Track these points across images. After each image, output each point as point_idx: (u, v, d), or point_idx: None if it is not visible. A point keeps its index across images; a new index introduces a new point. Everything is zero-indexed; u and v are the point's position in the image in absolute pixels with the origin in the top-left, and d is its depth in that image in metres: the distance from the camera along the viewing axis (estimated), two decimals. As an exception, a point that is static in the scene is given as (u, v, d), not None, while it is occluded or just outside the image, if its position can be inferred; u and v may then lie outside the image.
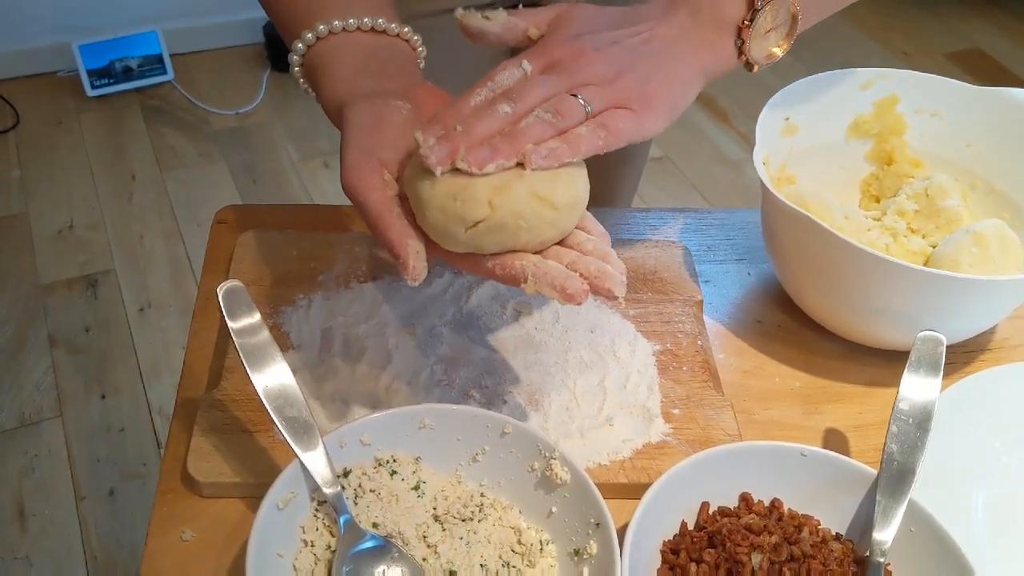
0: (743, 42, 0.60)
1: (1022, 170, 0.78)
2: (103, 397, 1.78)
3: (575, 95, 0.54)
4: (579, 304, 0.51)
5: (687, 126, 2.47)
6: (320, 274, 0.77)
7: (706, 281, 0.82)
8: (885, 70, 0.81)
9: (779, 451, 0.60)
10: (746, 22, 0.60)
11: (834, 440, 0.71)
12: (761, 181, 0.70)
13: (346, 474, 0.59)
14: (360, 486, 0.59)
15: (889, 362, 0.74)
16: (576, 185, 0.54)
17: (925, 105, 0.82)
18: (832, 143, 0.83)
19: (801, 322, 0.79)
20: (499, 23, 0.60)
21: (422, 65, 0.66)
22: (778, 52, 0.62)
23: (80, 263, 2.05)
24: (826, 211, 0.74)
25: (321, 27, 0.62)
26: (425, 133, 0.52)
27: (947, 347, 0.75)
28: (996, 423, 0.70)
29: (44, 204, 2.19)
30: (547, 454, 0.59)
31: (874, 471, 0.59)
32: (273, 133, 2.42)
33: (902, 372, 0.64)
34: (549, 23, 0.60)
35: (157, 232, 2.14)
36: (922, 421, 0.60)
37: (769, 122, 0.77)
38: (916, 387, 0.62)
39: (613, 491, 0.63)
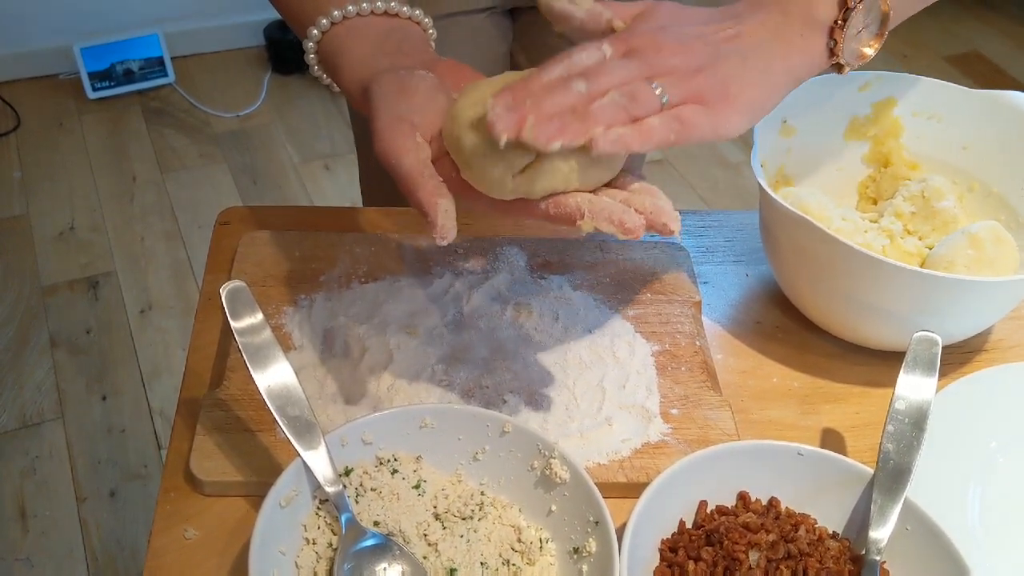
0: (835, 43, 0.59)
1: (1019, 173, 0.79)
2: (104, 398, 1.79)
3: (652, 84, 0.53)
4: (637, 238, 0.51)
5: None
6: (322, 275, 0.78)
7: (705, 282, 0.83)
8: (883, 72, 0.82)
9: (776, 450, 0.61)
10: (839, 22, 0.59)
11: (831, 440, 0.71)
12: (759, 184, 0.71)
13: (348, 473, 0.60)
14: (361, 485, 0.59)
15: (885, 362, 0.75)
16: None
17: (922, 108, 0.82)
18: (830, 145, 0.84)
19: (799, 323, 0.79)
20: (584, 8, 0.59)
21: (433, 47, 0.67)
22: (869, 52, 0.61)
23: (81, 264, 2.06)
24: (823, 213, 0.74)
25: (336, 13, 0.63)
26: (494, 100, 0.50)
27: (944, 348, 0.76)
28: (992, 423, 0.71)
29: (45, 206, 2.20)
30: (547, 453, 0.60)
31: (870, 470, 0.60)
32: (274, 135, 2.42)
33: (898, 372, 0.64)
34: (634, 17, 0.59)
35: (158, 234, 2.14)
36: (918, 420, 0.61)
37: (767, 124, 0.77)
38: (912, 387, 0.62)
39: (612, 490, 0.64)
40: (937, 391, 0.71)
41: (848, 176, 0.85)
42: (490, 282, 0.78)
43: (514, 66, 1.02)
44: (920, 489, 0.64)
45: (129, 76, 2.50)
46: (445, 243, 0.53)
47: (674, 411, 0.70)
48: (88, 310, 1.96)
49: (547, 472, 0.59)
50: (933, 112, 0.82)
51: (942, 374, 0.75)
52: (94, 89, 2.48)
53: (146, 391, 1.80)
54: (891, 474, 0.59)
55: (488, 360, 0.72)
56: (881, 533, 0.57)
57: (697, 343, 0.75)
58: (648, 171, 2.30)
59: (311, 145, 2.36)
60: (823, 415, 0.73)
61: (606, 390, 0.70)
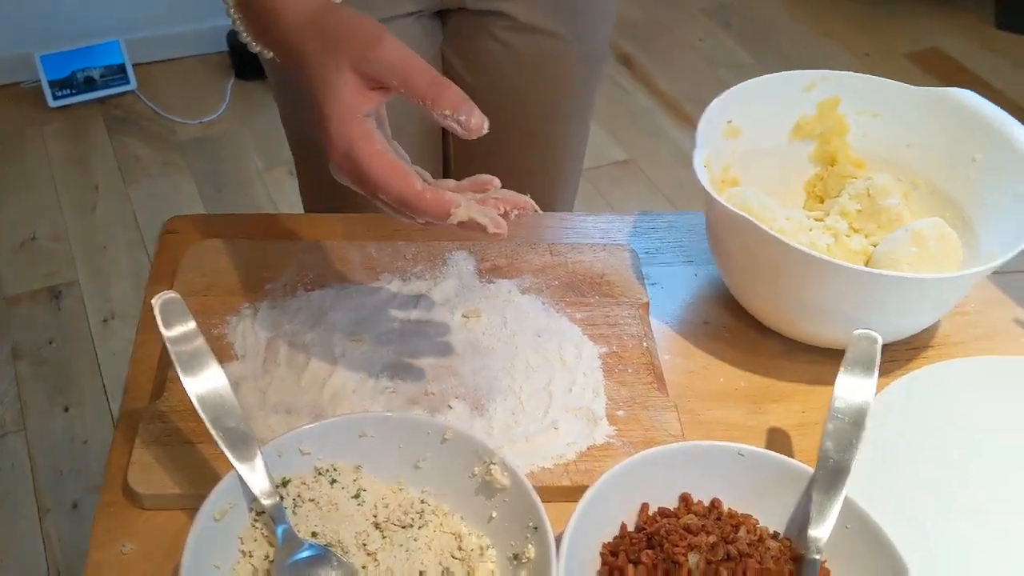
0: None
1: (962, 169, 0.80)
2: (66, 409, 1.77)
3: None
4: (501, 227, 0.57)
5: (651, 130, 2.49)
6: (268, 283, 0.77)
7: (654, 283, 0.83)
8: (827, 72, 0.82)
9: (717, 451, 0.61)
10: None
11: (777, 439, 0.71)
12: (701, 184, 0.71)
13: (285, 484, 0.59)
14: (299, 496, 0.59)
15: (832, 360, 0.74)
16: None
17: (867, 106, 0.83)
18: (776, 145, 0.84)
19: (747, 323, 0.79)
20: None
21: None
22: None
23: (44, 275, 2.03)
24: (767, 213, 0.74)
25: None
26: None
27: (890, 344, 0.76)
28: (938, 419, 0.71)
29: (7, 216, 2.17)
30: (487, 459, 0.59)
31: (811, 469, 0.60)
32: (238, 142, 2.40)
33: (829, 375, 0.64)
34: None
35: (121, 243, 2.12)
36: (857, 419, 0.61)
37: (711, 125, 0.77)
38: (851, 385, 0.63)
39: (557, 494, 0.64)
40: (882, 388, 0.72)
41: (795, 175, 0.86)
42: (438, 288, 0.78)
43: (447, 69, 1.01)
44: (863, 487, 0.64)
45: (90, 84, 2.47)
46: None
47: (620, 413, 0.70)
48: (51, 320, 1.93)
49: (487, 478, 0.59)
50: (878, 110, 0.83)
51: (888, 371, 0.76)
52: (55, 97, 2.45)
53: (109, 402, 1.78)
54: (830, 473, 0.59)
55: (434, 367, 0.71)
56: (820, 532, 0.57)
57: (644, 345, 0.75)
58: (613, 173, 2.31)
59: (275, 151, 2.34)
60: (770, 414, 0.73)
61: (553, 394, 0.70)
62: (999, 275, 0.86)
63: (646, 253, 0.86)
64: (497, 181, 0.62)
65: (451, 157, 1.13)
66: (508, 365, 0.72)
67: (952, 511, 0.66)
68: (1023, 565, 0.63)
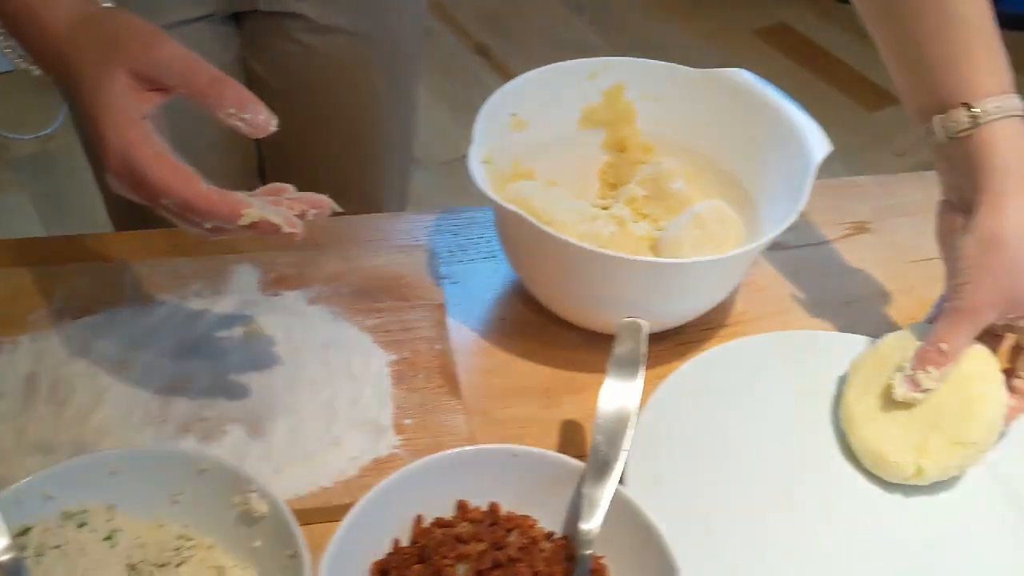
0: None
1: (742, 149, 0.81)
2: None
3: None
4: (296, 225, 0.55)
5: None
6: (31, 313, 0.72)
7: (454, 282, 0.81)
8: (610, 59, 0.82)
9: (491, 454, 0.60)
10: None
11: (571, 431, 0.71)
12: (475, 181, 0.69)
13: (26, 532, 0.55)
14: (43, 544, 0.55)
15: (625, 348, 0.75)
16: None
17: (651, 91, 0.83)
18: (565, 135, 0.83)
19: (544, 316, 0.78)
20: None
21: None
22: None
23: None
24: (548, 206, 0.74)
25: None
26: None
27: (685, 325, 0.77)
28: (729, 397, 0.72)
29: None
30: (245, 487, 0.57)
31: (583, 464, 0.59)
32: (77, 157, 2.28)
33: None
34: None
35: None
36: (622, 410, 0.61)
37: (492, 119, 0.76)
38: (619, 375, 0.62)
39: (340, 513, 0.61)
40: (676, 371, 0.72)
41: (588, 164, 0.85)
42: (218, 305, 0.74)
43: (249, 73, 0.98)
44: (645, 476, 0.64)
45: (-90, 103, 2.31)
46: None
47: (407, 421, 0.68)
48: None
49: (246, 508, 0.56)
50: (662, 94, 0.83)
51: (685, 352, 0.76)
52: None
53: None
54: (600, 465, 0.58)
55: (210, 389, 0.68)
56: (590, 525, 0.57)
57: (437, 347, 0.73)
58: (449, 172, 2.28)
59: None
60: (565, 407, 0.72)
61: (337, 409, 0.68)
62: (798, 249, 0.88)
63: (448, 252, 0.84)
64: (292, 188, 0.60)
65: (266, 170, 1.10)
66: (290, 382, 0.69)
67: (739, 488, 0.66)
68: (806, 543, 0.64)
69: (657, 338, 0.76)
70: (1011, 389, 0.67)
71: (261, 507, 0.56)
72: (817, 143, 0.74)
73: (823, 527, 0.65)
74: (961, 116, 0.64)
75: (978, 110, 0.64)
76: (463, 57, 2.72)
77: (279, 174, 1.09)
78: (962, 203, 0.67)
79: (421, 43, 1.06)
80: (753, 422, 0.71)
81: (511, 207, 0.67)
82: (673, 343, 0.78)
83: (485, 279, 0.82)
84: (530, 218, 0.66)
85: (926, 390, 0.65)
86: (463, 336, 0.77)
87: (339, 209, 0.59)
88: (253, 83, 1.01)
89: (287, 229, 0.55)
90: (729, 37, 2.81)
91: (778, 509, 0.66)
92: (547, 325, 0.78)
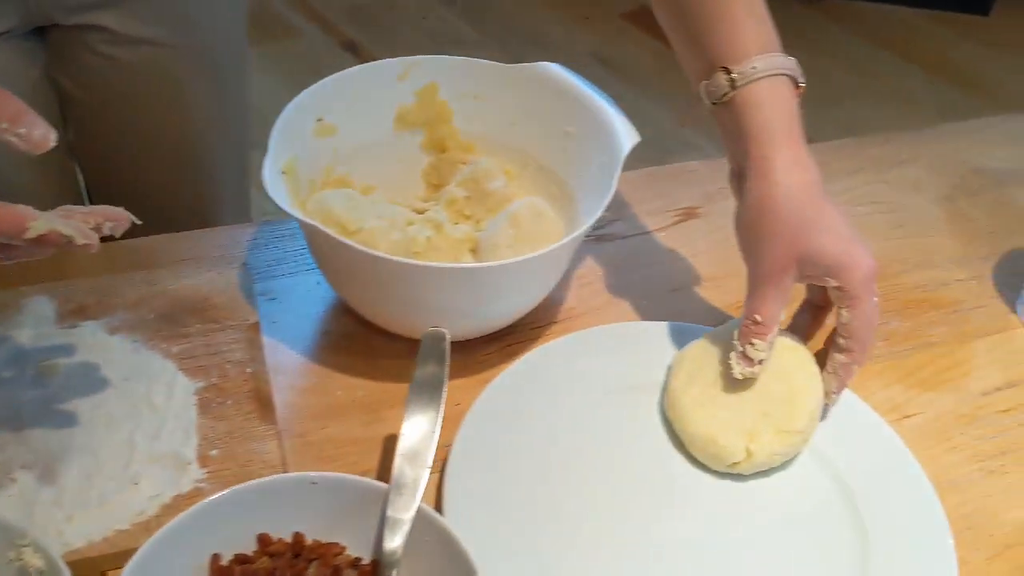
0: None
1: (558, 143, 0.79)
2: None
3: None
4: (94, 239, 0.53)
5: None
6: None
7: (272, 299, 0.78)
8: (419, 58, 0.80)
9: (288, 483, 0.57)
10: None
11: (391, 449, 0.68)
12: (267, 191, 0.66)
13: None
14: None
15: (462, 351, 0.72)
16: None
17: (465, 89, 0.81)
18: (380, 138, 0.81)
19: (370, 328, 0.76)
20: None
21: None
22: None
23: None
24: (354, 214, 0.71)
25: None
26: None
27: (513, 325, 0.76)
28: (554, 397, 0.70)
29: None
30: (18, 542, 0.53)
31: (387, 485, 0.57)
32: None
33: (462, 365, 0.62)
34: None
35: None
36: (427, 423, 0.59)
37: (293, 126, 0.73)
38: (422, 387, 0.60)
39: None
40: (501, 374, 0.71)
41: (410, 167, 0.83)
42: (7, 342, 0.69)
43: (58, 89, 0.93)
44: (465, 488, 0.63)
45: None
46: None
47: (213, 452, 0.65)
48: None
49: (21, 563, 0.52)
50: (476, 92, 0.81)
51: (516, 352, 0.75)
52: None
53: None
54: (401, 486, 0.56)
55: (-4, 435, 0.63)
56: (393, 545, 0.55)
57: (249, 370, 0.70)
58: None
59: None
60: (387, 422, 0.70)
61: (136, 444, 0.64)
62: (626, 240, 0.88)
63: (267, 266, 0.81)
64: (83, 208, 0.55)
65: (90, 189, 1.05)
66: (87, 420, 0.65)
67: (564, 488, 0.65)
68: (633, 537, 0.64)
69: (486, 340, 0.75)
70: (829, 371, 0.68)
71: (36, 561, 0.52)
72: (625, 134, 0.73)
73: (652, 518, 0.65)
74: (720, 80, 0.64)
75: (735, 73, 0.63)
76: (331, 54, 2.67)
77: (103, 193, 1.05)
78: (741, 170, 0.67)
79: (246, 52, 1.02)
80: (581, 419, 0.70)
81: (308, 220, 0.64)
82: (502, 344, 0.76)
83: (306, 293, 0.79)
84: (327, 230, 0.64)
85: (760, 361, 0.65)
86: (281, 355, 0.74)
87: (138, 222, 0.56)
88: (64, 99, 0.95)
89: (81, 240, 0.52)
90: (598, 22, 2.83)
91: (606, 504, 0.65)
92: (372, 337, 0.76)
